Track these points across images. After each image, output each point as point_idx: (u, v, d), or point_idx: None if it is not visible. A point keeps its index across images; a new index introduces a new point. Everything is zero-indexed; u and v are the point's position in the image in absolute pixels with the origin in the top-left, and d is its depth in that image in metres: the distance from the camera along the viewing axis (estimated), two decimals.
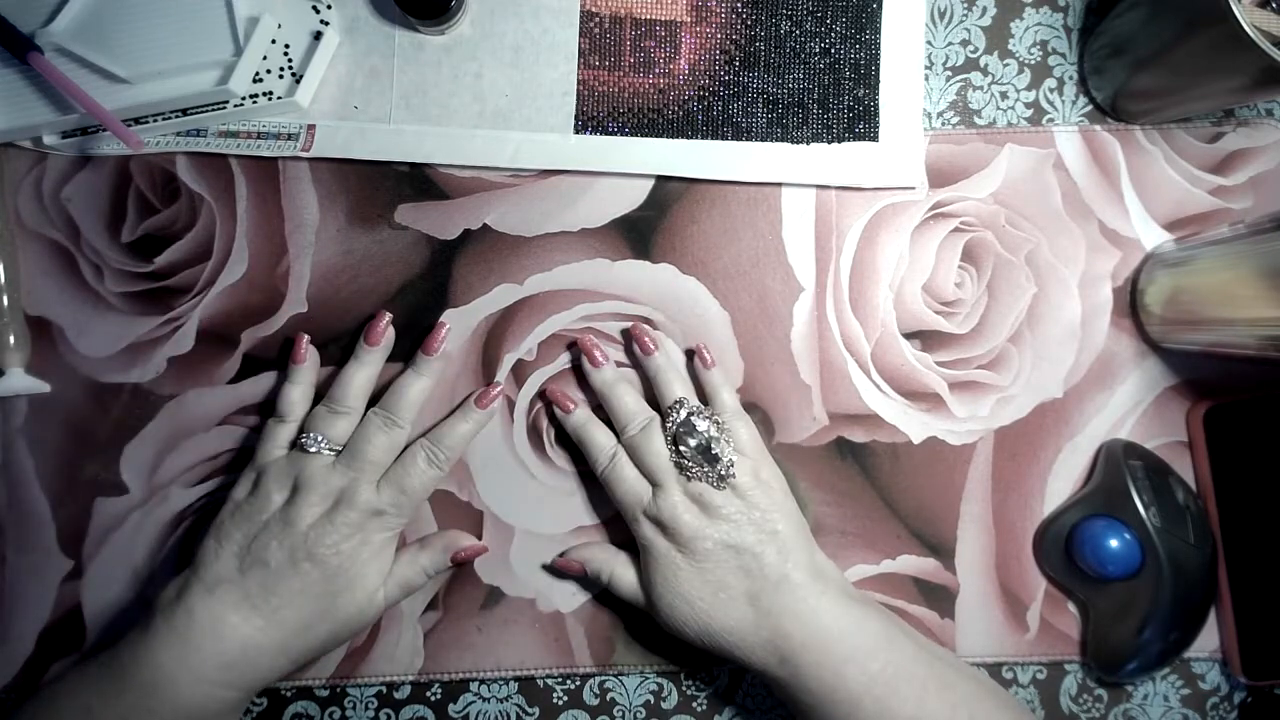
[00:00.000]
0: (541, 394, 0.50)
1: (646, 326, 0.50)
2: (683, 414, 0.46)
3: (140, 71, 0.48)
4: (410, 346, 0.49)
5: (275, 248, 0.51)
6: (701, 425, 0.46)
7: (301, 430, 0.47)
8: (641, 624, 0.49)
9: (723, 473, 0.45)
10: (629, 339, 0.50)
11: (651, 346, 0.49)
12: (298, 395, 0.48)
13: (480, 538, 0.49)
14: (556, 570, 0.49)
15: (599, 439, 0.48)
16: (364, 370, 0.48)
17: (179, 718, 0.41)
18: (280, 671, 0.44)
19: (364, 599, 0.45)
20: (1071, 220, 0.51)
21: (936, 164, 0.51)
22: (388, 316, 0.48)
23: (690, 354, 0.50)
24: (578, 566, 0.48)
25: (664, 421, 0.47)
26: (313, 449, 0.46)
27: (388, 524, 0.46)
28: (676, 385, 0.48)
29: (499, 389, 0.49)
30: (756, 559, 0.44)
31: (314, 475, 0.45)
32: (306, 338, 0.49)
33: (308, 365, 0.48)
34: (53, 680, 0.45)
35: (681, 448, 0.45)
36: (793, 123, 0.51)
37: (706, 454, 0.45)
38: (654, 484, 0.46)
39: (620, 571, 0.47)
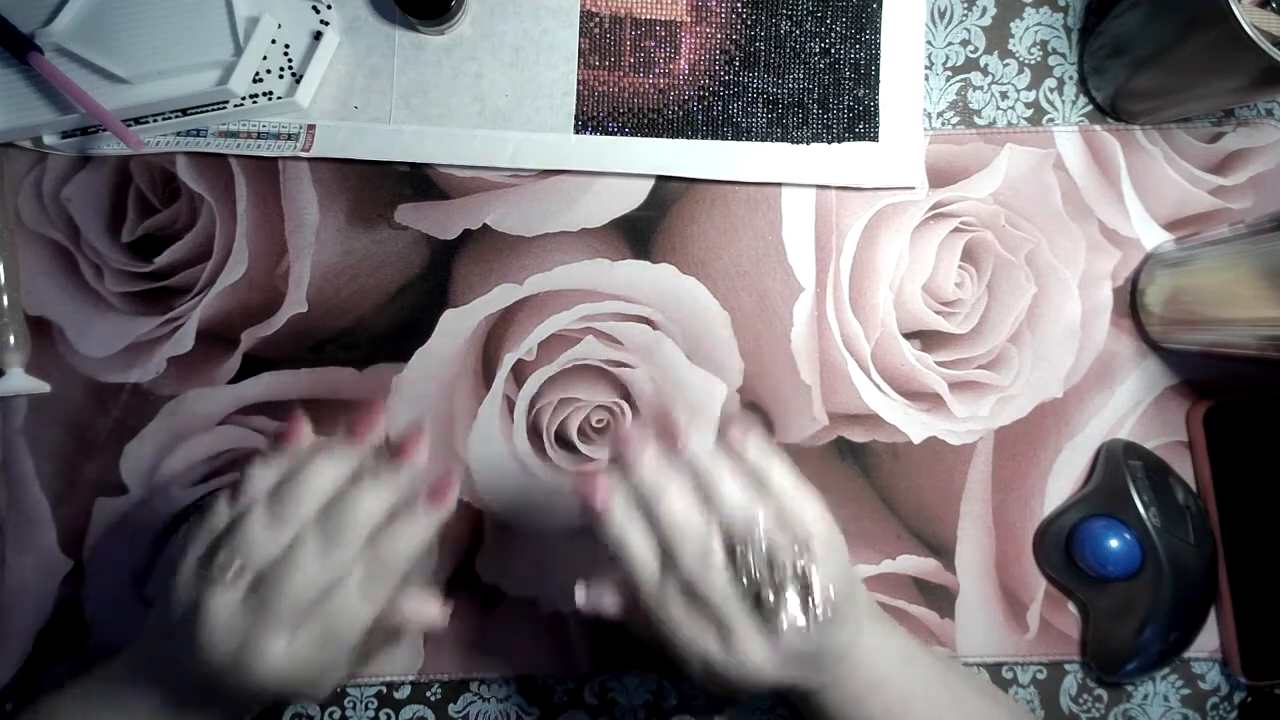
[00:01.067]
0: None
1: (677, 420, 0.37)
2: (760, 552, 0.36)
3: (140, 71, 0.48)
4: (408, 347, 0.50)
5: (275, 248, 0.50)
6: (783, 559, 0.36)
7: (227, 532, 0.36)
8: None
9: (817, 617, 0.36)
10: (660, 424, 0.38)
11: (681, 443, 0.37)
12: (269, 481, 0.36)
13: (481, 538, 0.49)
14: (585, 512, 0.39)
15: (641, 554, 0.37)
16: (335, 469, 0.36)
17: None
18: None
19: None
20: (1071, 220, 0.51)
21: (936, 164, 0.51)
22: (383, 414, 0.38)
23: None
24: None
25: (730, 552, 0.36)
26: (220, 575, 0.35)
27: (314, 681, 0.36)
28: (737, 493, 0.36)
29: (455, 482, 0.38)
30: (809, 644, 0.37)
31: (211, 614, 0.34)
32: (305, 420, 0.38)
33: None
34: (49, 699, 0.42)
35: (762, 596, 0.35)
36: (793, 123, 0.51)
37: (800, 605, 0.36)
38: (718, 624, 0.36)
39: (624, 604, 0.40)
